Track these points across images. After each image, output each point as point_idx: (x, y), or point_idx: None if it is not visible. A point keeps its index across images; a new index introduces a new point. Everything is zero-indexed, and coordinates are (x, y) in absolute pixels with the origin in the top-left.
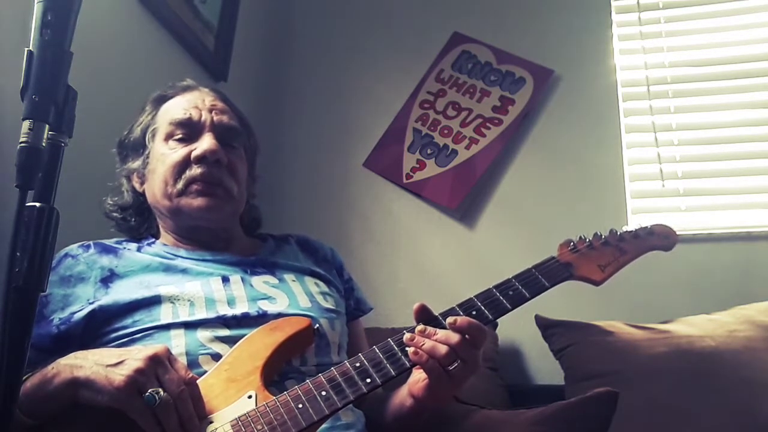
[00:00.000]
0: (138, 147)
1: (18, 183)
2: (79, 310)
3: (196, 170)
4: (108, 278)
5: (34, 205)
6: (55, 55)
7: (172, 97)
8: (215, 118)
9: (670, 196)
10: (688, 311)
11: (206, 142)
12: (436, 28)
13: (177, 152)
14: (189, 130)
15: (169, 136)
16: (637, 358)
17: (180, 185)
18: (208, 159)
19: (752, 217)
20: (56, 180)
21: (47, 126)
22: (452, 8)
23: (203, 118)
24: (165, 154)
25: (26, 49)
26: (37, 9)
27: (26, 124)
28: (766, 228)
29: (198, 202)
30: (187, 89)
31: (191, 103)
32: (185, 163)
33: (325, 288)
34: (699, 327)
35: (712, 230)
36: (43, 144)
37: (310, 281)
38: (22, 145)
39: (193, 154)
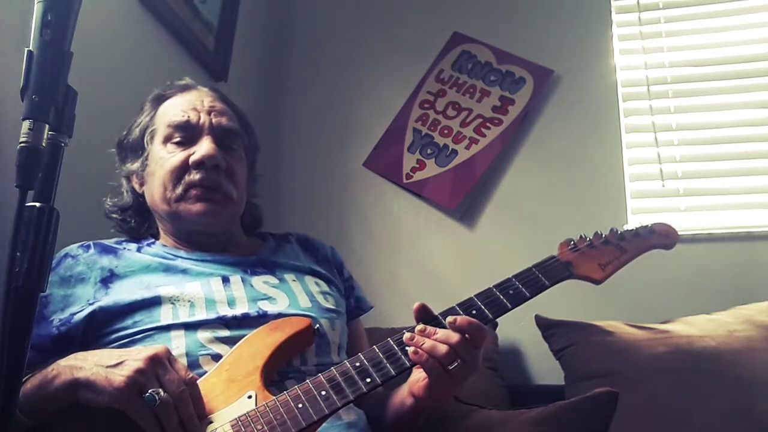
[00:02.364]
0: (137, 148)
1: (18, 183)
2: (79, 311)
3: (194, 175)
4: (108, 279)
5: (34, 205)
6: (55, 55)
7: (170, 97)
8: (214, 121)
9: (670, 196)
10: (688, 311)
11: (204, 147)
12: (436, 28)
13: (175, 156)
14: (187, 133)
15: (167, 139)
16: (637, 358)
17: (179, 190)
18: (207, 164)
19: (752, 217)
20: (56, 180)
21: (47, 126)
22: (452, 8)
23: (202, 121)
24: (163, 157)
25: (26, 49)
26: (37, 9)
27: (26, 124)
28: (766, 228)
29: (197, 207)
30: (185, 89)
31: (190, 104)
32: (184, 168)
33: (325, 287)
34: (699, 327)
35: (712, 230)
36: (43, 144)
37: (310, 280)
38: (22, 145)
39: (192, 159)
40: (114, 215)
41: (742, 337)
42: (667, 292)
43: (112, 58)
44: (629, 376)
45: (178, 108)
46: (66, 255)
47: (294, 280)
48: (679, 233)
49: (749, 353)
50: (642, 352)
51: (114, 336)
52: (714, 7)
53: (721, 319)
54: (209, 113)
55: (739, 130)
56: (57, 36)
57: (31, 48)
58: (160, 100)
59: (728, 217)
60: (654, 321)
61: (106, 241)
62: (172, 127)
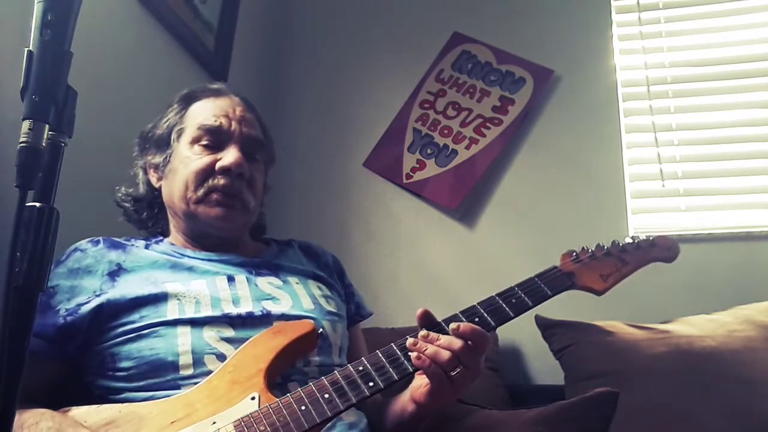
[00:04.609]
0: (161, 144)
1: (18, 183)
2: (85, 302)
3: (219, 180)
4: (115, 272)
5: (34, 205)
6: (55, 55)
7: (201, 99)
8: (244, 130)
9: (670, 196)
10: (688, 311)
11: (232, 155)
12: (436, 28)
13: (202, 159)
14: (216, 138)
15: (195, 140)
16: (637, 358)
17: (201, 192)
18: (233, 171)
19: (752, 217)
20: (56, 180)
21: (47, 126)
22: (452, 8)
23: (232, 128)
24: (189, 158)
25: (26, 49)
26: (37, 9)
27: (26, 124)
28: (766, 228)
29: (215, 211)
30: (218, 94)
31: (222, 110)
32: (209, 172)
33: (327, 291)
34: (699, 327)
35: (712, 230)
36: (43, 144)
37: (313, 284)
38: (22, 145)
39: (219, 165)
40: (125, 204)
41: (742, 337)
42: (667, 292)
43: (112, 58)
44: (629, 376)
45: (210, 112)
46: (75, 249)
47: (297, 283)
48: (680, 233)
49: (749, 353)
50: (642, 352)
51: (120, 330)
52: (714, 7)
53: (721, 319)
54: (240, 122)
55: (739, 130)
56: (57, 36)
57: (31, 48)
58: (190, 100)
59: (728, 217)
60: (654, 321)
61: (116, 238)
62: (203, 130)
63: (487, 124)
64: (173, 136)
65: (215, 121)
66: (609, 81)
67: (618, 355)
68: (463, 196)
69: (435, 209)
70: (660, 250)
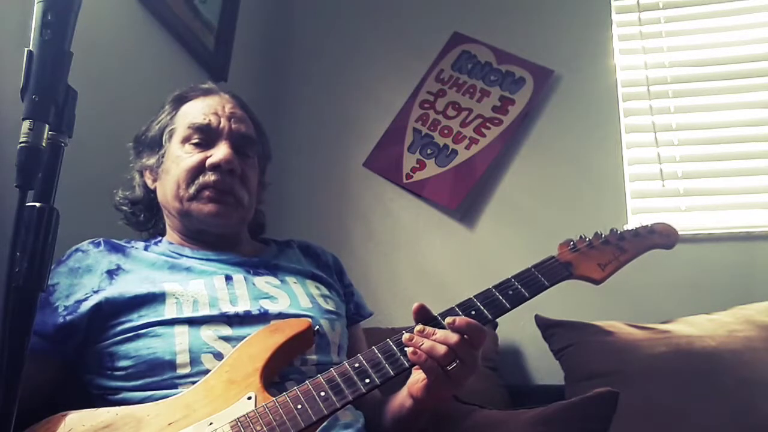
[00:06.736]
0: (154, 145)
1: (18, 183)
2: (84, 299)
3: (209, 177)
4: (114, 271)
5: (34, 205)
6: (55, 55)
7: (192, 99)
8: (233, 127)
9: (670, 196)
10: (688, 311)
11: (222, 151)
12: (436, 28)
13: (192, 157)
14: (206, 136)
15: (186, 140)
16: (637, 358)
17: (192, 190)
18: (223, 167)
19: (752, 217)
20: (56, 180)
21: (47, 126)
22: (452, 8)
23: (222, 125)
24: (180, 156)
25: (26, 49)
26: (37, 9)
27: (26, 124)
28: (766, 228)
29: (208, 208)
30: (208, 93)
31: (211, 108)
32: (199, 169)
33: (326, 291)
34: (699, 327)
35: (712, 230)
36: (43, 144)
37: (311, 284)
38: (22, 145)
39: (208, 161)
40: (123, 207)
41: (742, 337)
42: (667, 292)
43: (112, 57)
44: (629, 376)
45: (199, 111)
46: (76, 249)
47: (295, 282)
48: (679, 233)
49: (749, 353)
50: (642, 352)
51: (118, 329)
52: (714, 7)
53: (721, 319)
54: (229, 119)
55: (739, 130)
56: (57, 36)
57: (31, 48)
58: (181, 101)
59: (728, 217)
60: (654, 321)
61: (115, 240)
62: (192, 129)
63: (487, 124)
64: (165, 136)
65: (204, 119)
66: (609, 81)
67: (618, 355)
68: (463, 196)
69: (435, 209)
70: (659, 236)
